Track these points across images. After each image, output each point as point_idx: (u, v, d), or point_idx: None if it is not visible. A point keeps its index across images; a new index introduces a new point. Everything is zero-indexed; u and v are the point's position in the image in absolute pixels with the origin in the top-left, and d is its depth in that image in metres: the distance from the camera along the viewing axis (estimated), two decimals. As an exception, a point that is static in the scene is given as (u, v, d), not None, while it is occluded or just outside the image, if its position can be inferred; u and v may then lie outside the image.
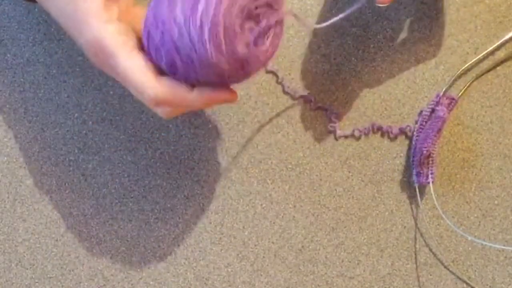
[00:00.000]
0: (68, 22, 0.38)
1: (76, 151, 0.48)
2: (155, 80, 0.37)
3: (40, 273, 0.47)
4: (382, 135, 0.49)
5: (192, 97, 0.38)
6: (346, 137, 0.49)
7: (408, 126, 0.49)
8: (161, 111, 0.39)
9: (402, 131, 0.49)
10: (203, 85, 0.38)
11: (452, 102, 0.49)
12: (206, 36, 0.35)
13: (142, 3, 0.40)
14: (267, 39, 0.38)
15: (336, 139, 0.49)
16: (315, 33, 0.49)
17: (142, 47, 0.38)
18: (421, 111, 0.49)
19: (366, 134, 0.49)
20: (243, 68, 0.37)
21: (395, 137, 0.49)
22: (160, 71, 0.38)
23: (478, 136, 0.50)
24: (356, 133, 0.48)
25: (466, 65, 0.49)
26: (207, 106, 0.39)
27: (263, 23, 0.37)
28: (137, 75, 0.37)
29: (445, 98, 0.48)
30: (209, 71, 0.36)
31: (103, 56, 0.37)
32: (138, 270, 0.47)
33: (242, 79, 0.38)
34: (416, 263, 0.48)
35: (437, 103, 0.48)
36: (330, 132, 0.49)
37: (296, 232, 0.48)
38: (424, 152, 0.47)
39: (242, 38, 0.36)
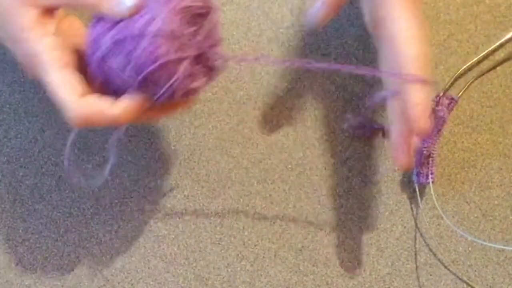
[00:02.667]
0: (5, 37, 0.38)
1: (76, 151, 0.48)
2: (78, 100, 0.37)
3: (40, 273, 0.47)
4: (383, 135, 0.49)
5: (114, 112, 0.37)
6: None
7: None
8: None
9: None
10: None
11: (452, 102, 0.49)
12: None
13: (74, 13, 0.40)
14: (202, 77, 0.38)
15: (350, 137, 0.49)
16: (315, 33, 0.49)
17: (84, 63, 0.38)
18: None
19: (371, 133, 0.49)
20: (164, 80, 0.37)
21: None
22: (101, 89, 0.38)
23: (478, 136, 0.50)
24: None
25: (466, 65, 0.49)
26: (135, 120, 0.39)
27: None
28: (62, 92, 0.37)
29: (445, 98, 0.48)
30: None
31: (39, 71, 0.37)
32: (138, 270, 0.47)
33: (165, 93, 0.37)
34: (416, 263, 0.48)
35: (437, 103, 0.48)
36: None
37: (296, 232, 0.48)
38: (424, 152, 0.47)
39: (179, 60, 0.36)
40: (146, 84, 0.37)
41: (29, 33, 0.37)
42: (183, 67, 0.37)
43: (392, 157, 0.42)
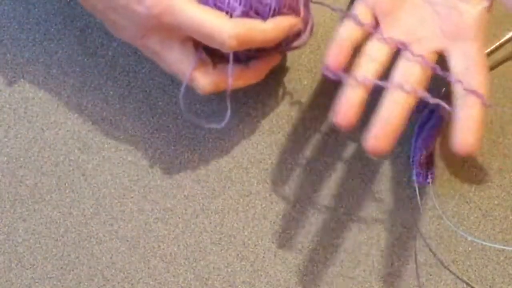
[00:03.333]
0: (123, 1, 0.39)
1: (76, 151, 0.48)
2: (231, 21, 0.39)
3: (40, 273, 0.47)
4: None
5: (268, 26, 0.40)
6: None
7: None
8: (202, 82, 0.42)
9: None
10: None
11: (452, 102, 0.48)
12: None
13: None
14: None
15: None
16: (315, 33, 0.49)
17: None
18: (421, 111, 0.49)
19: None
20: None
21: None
22: None
23: (478, 136, 0.49)
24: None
25: (466, 65, 0.49)
26: (279, 37, 0.41)
27: None
28: (212, 19, 0.38)
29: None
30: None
31: (170, 15, 0.38)
32: (138, 270, 0.47)
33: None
34: (416, 263, 0.48)
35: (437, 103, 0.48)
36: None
37: (296, 232, 0.48)
38: (424, 152, 0.47)
39: None
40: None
41: None
42: None
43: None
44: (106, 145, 0.48)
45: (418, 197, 0.48)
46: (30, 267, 0.47)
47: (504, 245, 0.48)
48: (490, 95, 0.50)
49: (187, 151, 0.48)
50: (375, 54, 0.42)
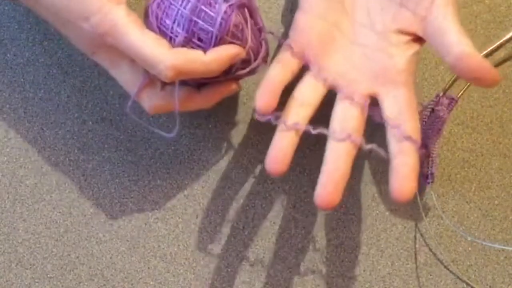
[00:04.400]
0: (72, 16, 0.38)
1: (76, 151, 0.48)
2: (170, 51, 0.38)
3: (40, 273, 0.47)
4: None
5: (208, 58, 0.39)
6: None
7: None
8: (148, 103, 0.41)
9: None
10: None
11: (452, 102, 0.48)
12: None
13: None
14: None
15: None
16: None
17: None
18: (421, 111, 0.49)
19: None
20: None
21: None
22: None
23: (478, 136, 0.50)
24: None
25: (466, 65, 0.49)
26: (220, 68, 0.40)
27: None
28: (151, 48, 0.38)
29: (445, 98, 0.48)
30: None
31: (113, 37, 0.38)
32: (138, 270, 0.47)
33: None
34: (416, 263, 0.48)
35: (437, 103, 0.48)
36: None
37: (296, 232, 0.48)
38: (424, 152, 0.47)
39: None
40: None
41: (105, 3, 0.38)
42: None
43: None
44: (106, 145, 0.48)
45: (418, 197, 0.48)
46: (30, 267, 0.47)
47: (504, 245, 0.48)
48: (490, 95, 0.50)
49: (187, 151, 0.48)
50: (305, 98, 0.42)
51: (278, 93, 0.41)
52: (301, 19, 0.43)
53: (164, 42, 0.39)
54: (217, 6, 0.39)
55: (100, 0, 0.38)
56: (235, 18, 0.40)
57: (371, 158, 0.49)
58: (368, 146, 0.40)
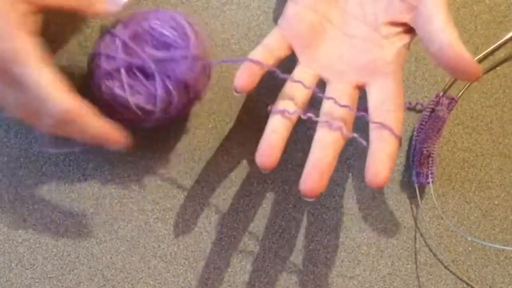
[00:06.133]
0: None
1: (76, 151, 0.48)
2: (66, 93, 0.37)
3: (40, 273, 0.47)
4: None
5: (99, 124, 0.38)
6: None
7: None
8: (47, 124, 0.38)
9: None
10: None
11: (452, 102, 0.49)
12: None
13: None
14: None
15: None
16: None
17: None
18: (421, 111, 0.49)
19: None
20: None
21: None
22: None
23: (478, 136, 0.50)
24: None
25: (466, 65, 0.49)
26: (99, 134, 0.39)
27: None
28: (48, 85, 0.36)
29: (445, 98, 0.48)
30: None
31: (19, 65, 0.36)
32: (138, 270, 0.47)
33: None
34: (416, 263, 0.48)
35: (437, 103, 0.48)
36: None
37: (296, 232, 0.48)
38: (424, 152, 0.47)
39: None
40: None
41: (14, 27, 0.36)
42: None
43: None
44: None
45: (418, 197, 0.48)
46: (30, 267, 0.47)
47: (504, 245, 0.48)
48: (490, 95, 0.50)
49: (186, 151, 0.48)
50: (294, 91, 0.42)
51: (259, 74, 0.41)
52: (291, 9, 0.43)
53: (64, 84, 0.37)
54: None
55: (11, 23, 0.36)
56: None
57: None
58: (350, 135, 0.41)
